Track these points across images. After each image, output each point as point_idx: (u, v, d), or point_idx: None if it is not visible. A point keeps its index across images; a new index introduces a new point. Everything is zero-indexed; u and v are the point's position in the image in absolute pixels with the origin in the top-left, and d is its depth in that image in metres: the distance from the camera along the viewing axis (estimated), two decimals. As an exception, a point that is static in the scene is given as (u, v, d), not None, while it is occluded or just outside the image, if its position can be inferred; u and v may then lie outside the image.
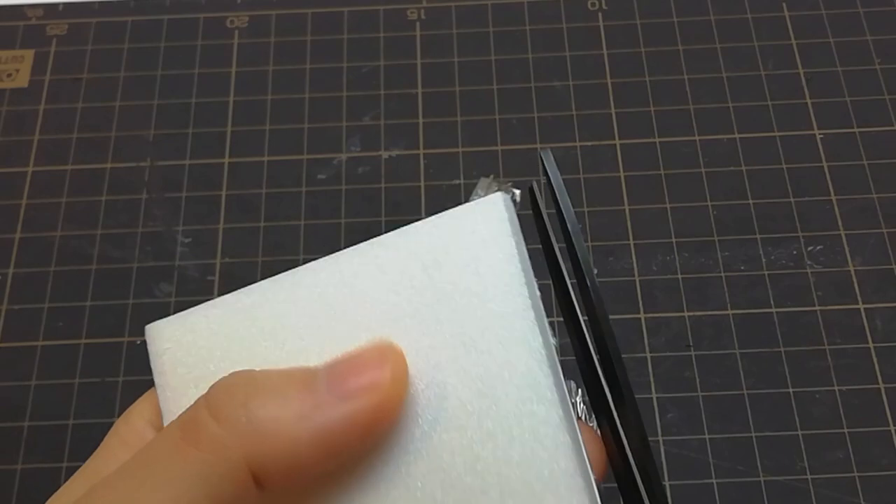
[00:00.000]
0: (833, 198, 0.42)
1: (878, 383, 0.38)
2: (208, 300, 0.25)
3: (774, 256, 0.41)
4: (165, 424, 0.25)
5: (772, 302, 0.40)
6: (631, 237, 0.41)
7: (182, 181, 0.44)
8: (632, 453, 0.23)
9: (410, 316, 0.24)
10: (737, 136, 0.44)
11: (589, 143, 0.44)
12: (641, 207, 0.42)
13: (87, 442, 0.26)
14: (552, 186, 0.25)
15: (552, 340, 0.23)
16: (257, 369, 0.23)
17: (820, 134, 0.44)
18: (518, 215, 0.25)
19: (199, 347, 0.25)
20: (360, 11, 0.48)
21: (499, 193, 0.25)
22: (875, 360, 0.38)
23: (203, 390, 0.23)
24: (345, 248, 0.25)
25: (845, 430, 0.37)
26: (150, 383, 0.25)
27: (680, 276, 0.40)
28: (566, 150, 0.44)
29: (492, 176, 0.27)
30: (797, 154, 0.43)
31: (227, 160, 0.44)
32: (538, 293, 0.24)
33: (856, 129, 0.44)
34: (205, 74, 0.47)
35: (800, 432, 0.37)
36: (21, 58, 0.47)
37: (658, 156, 0.43)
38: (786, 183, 0.42)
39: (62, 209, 0.43)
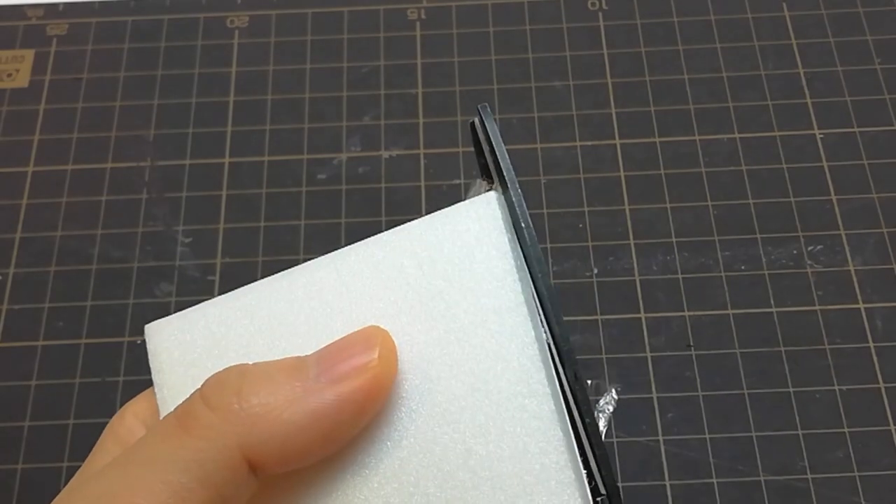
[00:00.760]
0: (833, 198, 0.42)
1: (878, 383, 0.38)
2: (208, 300, 0.25)
3: (774, 256, 0.41)
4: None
5: (772, 302, 0.40)
6: (631, 237, 0.41)
7: (182, 181, 0.44)
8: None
9: (405, 312, 0.24)
10: (737, 136, 0.44)
11: (589, 143, 0.44)
12: (641, 207, 0.42)
13: (88, 442, 0.26)
14: (489, 139, 0.25)
15: (545, 336, 0.24)
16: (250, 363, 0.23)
17: (820, 134, 0.44)
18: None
19: (197, 346, 0.25)
20: (360, 11, 0.48)
21: (492, 192, 0.25)
22: (875, 359, 0.38)
23: None
24: (345, 246, 0.25)
25: (845, 430, 0.37)
26: (151, 383, 0.25)
27: (680, 276, 0.40)
28: (566, 150, 0.44)
29: (484, 176, 0.27)
30: (797, 154, 0.43)
31: (227, 160, 0.44)
32: (532, 289, 0.24)
33: (856, 129, 0.44)
34: (205, 74, 0.47)
35: (800, 432, 0.37)
36: (21, 58, 0.48)
37: (658, 156, 0.43)
38: (786, 183, 0.42)
39: (62, 209, 0.43)
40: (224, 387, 0.22)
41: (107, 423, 0.26)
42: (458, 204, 0.25)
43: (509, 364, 0.23)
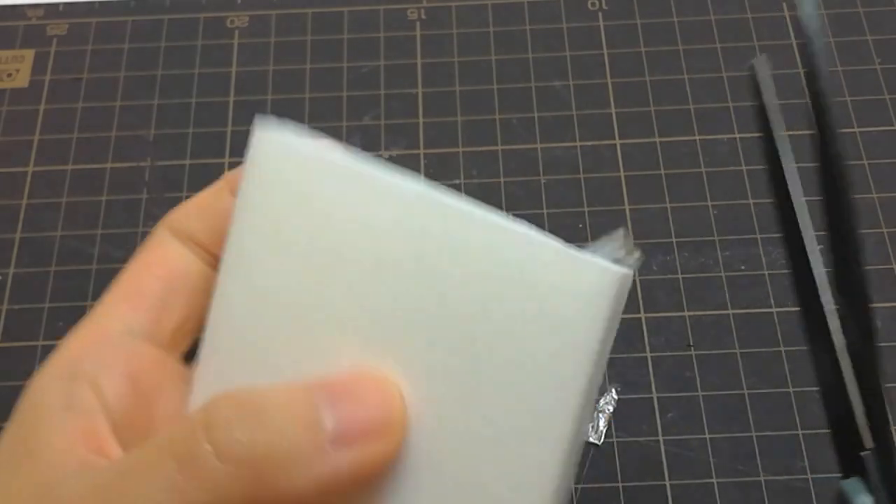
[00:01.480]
0: (833, 198, 0.42)
1: (878, 383, 0.38)
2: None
3: (774, 256, 0.41)
4: (224, 259, 0.24)
5: (772, 302, 0.40)
6: (631, 237, 0.41)
7: (182, 181, 0.44)
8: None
9: (454, 317, 0.22)
10: (737, 136, 0.44)
11: (589, 143, 0.44)
12: (641, 207, 0.42)
13: (88, 442, 0.26)
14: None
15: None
16: (258, 385, 0.22)
17: (820, 134, 0.44)
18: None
19: (292, 190, 0.24)
20: (360, 11, 0.48)
21: (624, 270, 0.23)
22: (875, 359, 0.38)
23: (275, 242, 0.23)
24: None
25: (845, 430, 0.37)
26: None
27: (680, 275, 0.40)
28: (566, 150, 0.44)
29: (623, 231, 0.25)
30: (797, 154, 0.43)
31: (227, 160, 0.44)
32: (599, 381, 0.22)
33: (856, 129, 0.44)
34: (205, 74, 0.47)
35: (800, 432, 0.37)
36: (21, 58, 0.48)
37: (658, 156, 0.43)
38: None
39: (62, 209, 0.43)
40: (232, 430, 0.21)
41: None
42: (588, 255, 0.23)
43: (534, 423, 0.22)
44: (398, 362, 0.23)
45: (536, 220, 0.41)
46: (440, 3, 0.48)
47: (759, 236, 0.41)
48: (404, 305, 0.23)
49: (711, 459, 0.36)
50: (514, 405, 0.22)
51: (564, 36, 0.47)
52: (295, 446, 0.21)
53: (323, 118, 0.45)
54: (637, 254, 0.23)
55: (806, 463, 0.36)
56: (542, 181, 0.43)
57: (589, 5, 0.48)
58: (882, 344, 0.39)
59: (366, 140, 0.44)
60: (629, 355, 0.39)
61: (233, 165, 0.44)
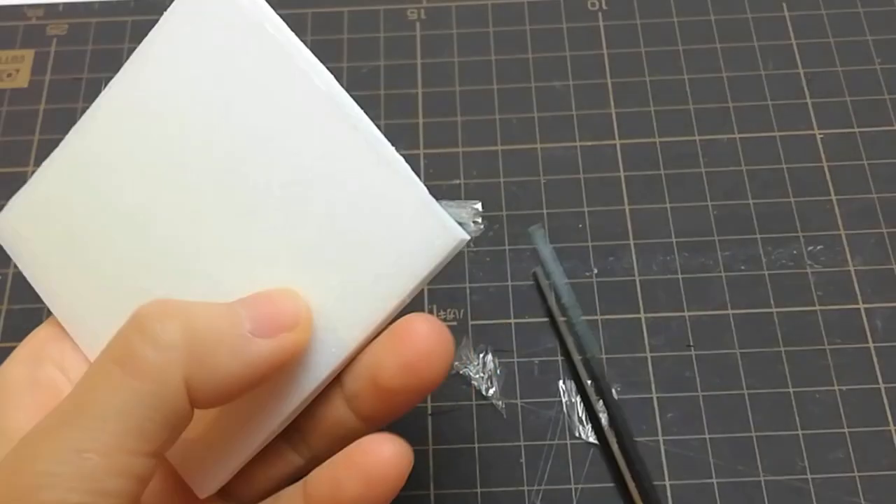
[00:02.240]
0: (833, 198, 0.42)
1: (878, 383, 0.38)
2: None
3: (774, 256, 0.41)
4: (56, 314, 0.29)
5: (772, 302, 0.40)
6: (631, 237, 0.41)
7: (182, 181, 0.44)
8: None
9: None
10: (737, 136, 0.44)
11: (589, 143, 0.44)
12: (641, 207, 0.42)
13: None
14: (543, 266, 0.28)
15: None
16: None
17: (820, 134, 0.44)
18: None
19: (53, 218, 0.28)
20: (360, 11, 0.48)
21: (464, 235, 0.26)
22: (875, 360, 0.38)
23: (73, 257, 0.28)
24: None
25: (845, 430, 0.37)
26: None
27: (680, 276, 0.40)
28: (566, 150, 0.44)
29: (478, 203, 0.29)
30: (797, 154, 0.43)
31: (227, 160, 0.44)
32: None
33: (856, 129, 0.44)
34: (205, 74, 0.47)
35: (800, 432, 0.37)
36: (21, 58, 0.48)
37: (658, 156, 0.43)
38: (786, 183, 0.42)
39: (62, 209, 0.43)
40: (166, 322, 0.23)
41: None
42: (444, 214, 0.26)
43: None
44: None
45: (536, 220, 0.41)
46: (440, 3, 0.48)
47: (759, 236, 0.41)
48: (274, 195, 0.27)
49: (711, 459, 0.36)
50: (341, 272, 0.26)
51: (564, 36, 0.47)
52: (221, 335, 0.24)
53: (323, 118, 0.45)
54: (481, 226, 0.27)
55: (806, 463, 0.36)
56: (542, 181, 0.43)
57: (589, 5, 0.48)
58: (882, 344, 0.39)
59: (366, 140, 0.44)
60: (629, 355, 0.39)
61: (233, 165, 0.44)
